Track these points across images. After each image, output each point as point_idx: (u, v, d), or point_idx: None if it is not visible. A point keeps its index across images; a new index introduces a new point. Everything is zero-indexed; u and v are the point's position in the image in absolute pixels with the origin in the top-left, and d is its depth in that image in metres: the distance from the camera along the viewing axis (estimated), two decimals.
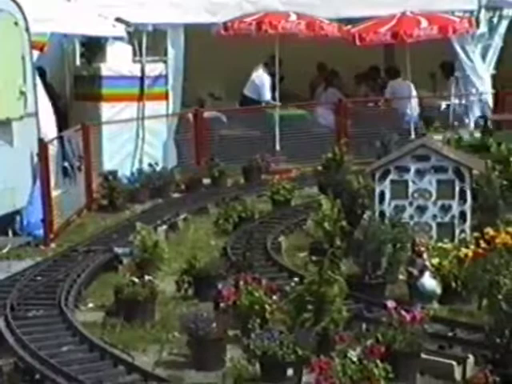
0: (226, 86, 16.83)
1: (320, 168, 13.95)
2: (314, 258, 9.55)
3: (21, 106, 11.73)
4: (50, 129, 12.97)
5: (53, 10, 13.89)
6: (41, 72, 14.12)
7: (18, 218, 11.80)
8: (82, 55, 15.45)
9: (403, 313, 7.32)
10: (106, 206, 13.42)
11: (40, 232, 11.69)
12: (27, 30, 11.93)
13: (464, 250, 9.02)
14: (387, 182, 10.30)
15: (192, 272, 9.32)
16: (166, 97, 15.27)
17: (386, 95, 17.02)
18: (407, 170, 10.26)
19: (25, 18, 11.85)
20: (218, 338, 7.57)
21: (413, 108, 16.75)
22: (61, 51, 15.36)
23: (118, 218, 12.76)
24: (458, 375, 7.13)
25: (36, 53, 12.82)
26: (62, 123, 14.23)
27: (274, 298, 8.11)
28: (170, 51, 15.59)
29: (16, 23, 11.66)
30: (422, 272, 8.68)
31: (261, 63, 16.63)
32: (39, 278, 9.75)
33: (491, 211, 10.35)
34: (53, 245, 11.56)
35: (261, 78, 16.48)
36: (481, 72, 16.99)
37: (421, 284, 8.63)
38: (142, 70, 15.15)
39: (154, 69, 15.33)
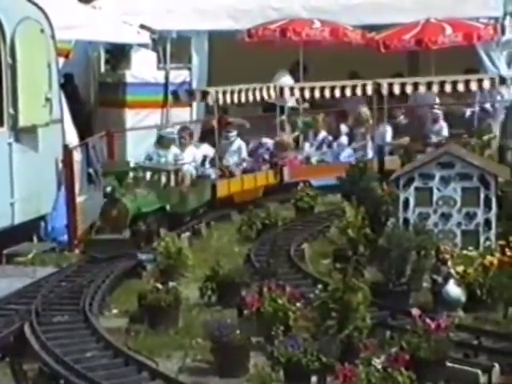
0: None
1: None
2: (337, 265, 9.53)
3: (46, 113, 11.81)
4: (72, 136, 13.03)
5: (78, 17, 13.99)
6: (68, 77, 14.23)
7: (42, 223, 11.87)
8: (106, 62, 15.53)
9: (428, 321, 7.28)
10: None
11: (64, 238, 11.76)
12: (53, 37, 12.02)
13: (489, 258, 8.97)
14: (411, 189, 10.26)
15: (216, 279, 9.34)
16: (190, 103, 15.31)
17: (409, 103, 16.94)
18: (432, 177, 10.22)
19: (51, 26, 11.94)
20: (241, 344, 7.57)
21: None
22: (86, 58, 15.44)
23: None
24: None
25: (61, 60, 12.91)
26: (87, 129, 14.32)
27: (298, 305, 8.10)
28: (194, 58, 15.65)
29: (42, 30, 11.75)
30: (446, 280, 8.63)
31: (285, 69, 16.63)
32: (64, 283, 9.80)
33: None
34: (77, 250, 11.61)
35: (283, 83, 16.39)
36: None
37: (445, 292, 8.58)
38: (167, 77, 15.22)
39: (178, 75, 15.39)
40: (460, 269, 8.87)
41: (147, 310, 8.71)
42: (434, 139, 15.74)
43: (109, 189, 11.15)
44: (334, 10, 16.34)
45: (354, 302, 7.58)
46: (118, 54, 15.24)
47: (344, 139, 15.53)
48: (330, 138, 15.39)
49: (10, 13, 11.40)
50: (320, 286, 8.17)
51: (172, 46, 15.48)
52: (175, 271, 9.23)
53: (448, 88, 15.27)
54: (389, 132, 15.67)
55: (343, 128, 15.71)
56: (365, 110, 15.61)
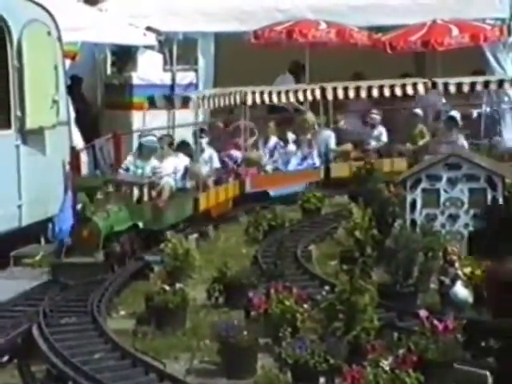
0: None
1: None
2: (344, 266, 9.52)
3: (53, 115, 11.83)
4: (76, 138, 13.06)
5: (84, 19, 14.04)
6: (77, 80, 14.27)
7: (50, 225, 11.88)
8: (112, 64, 15.58)
9: (435, 322, 7.28)
10: None
11: None
12: (60, 39, 12.04)
13: None
14: (419, 190, 10.26)
15: (223, 280, 9.35)
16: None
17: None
18: (439, 179, 10.22)
19: (57, 28, 11.96)
20: (249, 345, 7.57)
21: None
22: (92, 60, 15.49)
23: None
24: None
25: (68, 61, 12.94)
26: (94, 131, 14.35)
27: (305, 306, 8.10)
28: (201, 59, 15.69)
29: (49, 33, 11.77)
30: (454, 281, 8.62)
31: (286, 70, 16.59)
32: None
33: None
34: None
35: (285, 83, 16.27)
36: None
37: (453, 293, 8.57)
38: (173, 79, 15.24)
39: (184, 77, 15.42)
40: (467, 270, 8.85)
41: (154, 312, 8.72)
42: (373, 145, 15.36)
43: (79, 206, 10.04)
44: (340, 12, 16.36)
45: (361, 303, 7.58)
46: (125, 55, 15.29)
47: (292, 147, 14.70)
48: (282, 144, 14.64)
49: (17, 15, 11.42)
50: (327, 288, 8.17)
51: (178, 48, 15.53)
52: (182, 273, 9.23)
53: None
54: (332, 138, 15.09)
55: (290, 135, 14.86)
56: (310, 116, 14.94)
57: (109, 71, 15.65)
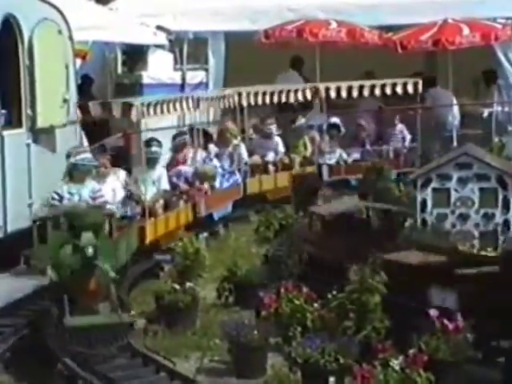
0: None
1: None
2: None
3: (64, 114, 11.84)
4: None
5: (95, 18, 14.05)
6: (88, 80, 14.28)
7: None
8: (123, 63, 15.62)
9: (446, 322, 7.26)
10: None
11: None
12: (71, 38, 12.05)
13: None
14: (429, 190, 10.22)
15: (233, 279, 9.35)
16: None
17: (426, 104, 16.88)
18: (449, 178, 10.18)
19: (68, 27, 11.98)
20: (259, 345, 7.57)
21: (454, 116, 16.62)
22: (103, 59, 15.52)
23: None
24: None
25: (78, 61, 12.96)
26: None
27: (316, 305, 8.09)
28: (211, 59, 15.71)
29: (60, 31, 11.78)
30: None
31: (288, 67, 16.47)
32: None
33: None
34: None
35: (292, 81, 16.06)
36: None
37: None
38: (183, 78, 15.26)
39: (194, 76, 15.44)
40: None
41: (165, 311, 8.73)
42: (272, 156, 14.15)
43: (90, 250, 7.51)
44: (351, 11, 16.35)
45: (371, 302, 7.57)
46: (135, 55, 15.32)
47: (215, 161, 12.70)
48: (212, 156, 12.73)
49: (28, 14, 11.43)
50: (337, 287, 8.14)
51: (189, 47, 15.56)
52: (193, 272, 9.24)
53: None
54: (243, 148, 13.33)
55: (212, 148, 12.98)
56: (232, 126, 13.28)
57: (119, 70, 15.68)
